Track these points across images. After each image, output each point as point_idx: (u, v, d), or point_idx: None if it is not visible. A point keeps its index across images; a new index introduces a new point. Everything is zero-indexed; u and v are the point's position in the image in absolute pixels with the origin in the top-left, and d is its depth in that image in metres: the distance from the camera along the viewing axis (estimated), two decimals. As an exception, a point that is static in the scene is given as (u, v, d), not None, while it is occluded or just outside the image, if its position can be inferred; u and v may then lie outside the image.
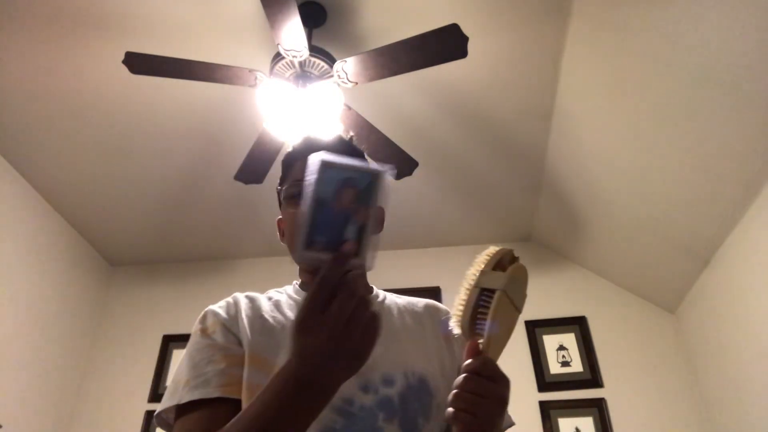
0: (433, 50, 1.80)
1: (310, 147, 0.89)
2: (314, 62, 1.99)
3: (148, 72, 1.94)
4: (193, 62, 1.89)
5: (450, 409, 0.63)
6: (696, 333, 2.72)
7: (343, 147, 0.92)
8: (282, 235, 0.95)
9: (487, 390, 0.64)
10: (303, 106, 1.98)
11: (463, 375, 0.65)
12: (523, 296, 0.72)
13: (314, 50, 1.97)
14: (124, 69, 1.91)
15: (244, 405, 0.73)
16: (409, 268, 3.23)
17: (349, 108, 2.11)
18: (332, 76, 1.98)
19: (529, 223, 3.20)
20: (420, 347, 0.86)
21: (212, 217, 3.12)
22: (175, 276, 3.43)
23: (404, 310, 0.92)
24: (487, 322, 0.67)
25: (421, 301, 0.96)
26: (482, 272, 0.71)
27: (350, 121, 2.14)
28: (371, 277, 0.93)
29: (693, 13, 1.72)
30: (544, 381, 2.81)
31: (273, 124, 2.04)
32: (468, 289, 0.70)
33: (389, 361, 0.79)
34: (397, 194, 2.89)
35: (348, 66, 1.91)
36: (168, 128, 2.56)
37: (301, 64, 1.98)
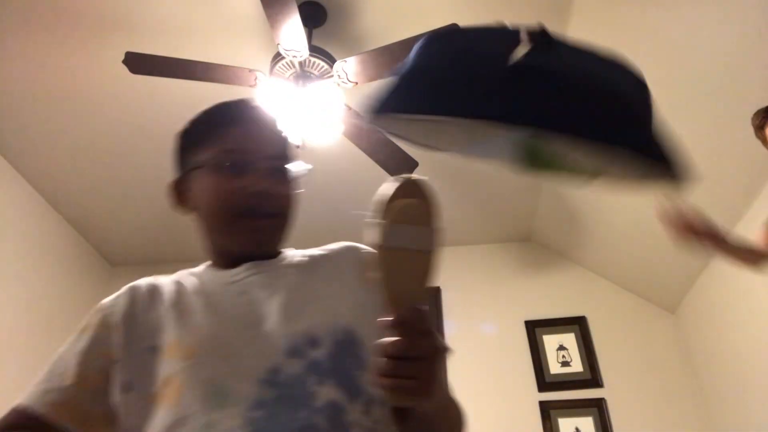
0: (433, 50, 1.80)
1: (247, 110, 0.88)
2: (314, 62, 1.99)
3: (148, 72, 1.94)
4: (192, 62, 1.89)
5: (382, 383, 0.56)
6: (696, 333, 2.72)
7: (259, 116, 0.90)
8: (181, 202, 0.90)
9: (418, 348, 0.58)
10: (303, 106, 1.98)
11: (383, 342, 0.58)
12: (429, 231, 0.63)
13: (314, 50, 1.97)
14: (124, 69, 1.91)
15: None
16: (409, 268, 3.23)
17: (349, 108, 2.11)
18: (332, 76, 1.98)
19: (529, 223, 3.20)
20: (341, 296, 0.78)
21: (212, 217, 3.11)
22: (175, 276, 3.43)
23: (320, 260, 0.85)
24: (383, 287, 0.60)
25: (338, 245, 0.89)
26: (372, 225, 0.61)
27: (350, 121, 2.14)
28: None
29: (692, 14, 1.72)
30: (544, 381, 2.80)
31: (273, 124, 2.04)
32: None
33: (311, 321, 0.73)
34: (397, 194, 2.89)
35: (348, 66, 1.91)
36: (168, 128, 2.54)
37: (301, 64, 1.98)
